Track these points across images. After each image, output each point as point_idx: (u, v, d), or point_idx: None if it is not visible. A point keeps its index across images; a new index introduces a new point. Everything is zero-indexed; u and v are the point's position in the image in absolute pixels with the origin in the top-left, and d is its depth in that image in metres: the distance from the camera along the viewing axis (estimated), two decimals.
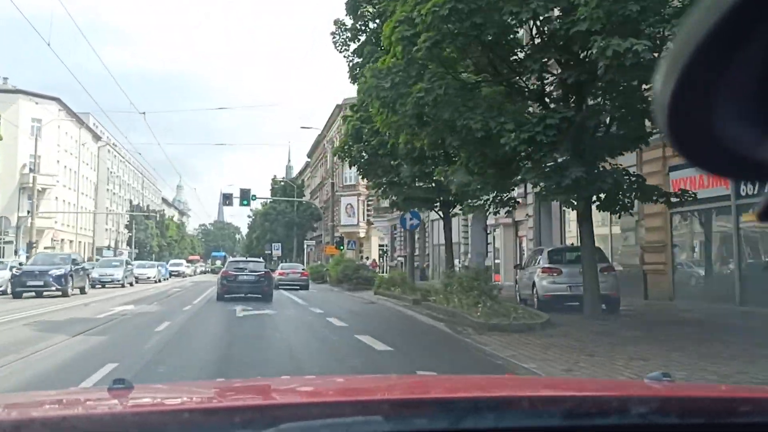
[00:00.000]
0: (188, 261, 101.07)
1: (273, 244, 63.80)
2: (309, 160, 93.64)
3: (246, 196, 43.79)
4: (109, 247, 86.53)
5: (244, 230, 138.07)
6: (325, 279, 40.08)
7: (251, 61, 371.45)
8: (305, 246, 61.53)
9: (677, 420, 1.19)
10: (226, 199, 43.80)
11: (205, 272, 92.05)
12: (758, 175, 0.66)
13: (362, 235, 62.93)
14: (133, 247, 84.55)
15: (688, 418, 1.19)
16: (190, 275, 60.87)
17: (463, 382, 2.19)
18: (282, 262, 59.47)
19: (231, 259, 31.58)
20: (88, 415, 1.34)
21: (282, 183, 66.95)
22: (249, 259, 29.03)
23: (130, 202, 69.00)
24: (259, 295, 20.79)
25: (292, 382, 2.50)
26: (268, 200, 63.48)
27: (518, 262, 17.27)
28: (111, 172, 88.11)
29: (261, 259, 28.14)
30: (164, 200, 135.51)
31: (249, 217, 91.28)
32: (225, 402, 1.58)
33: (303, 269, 35.25)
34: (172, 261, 62.03)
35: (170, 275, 49.18)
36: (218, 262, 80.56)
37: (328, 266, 37.07)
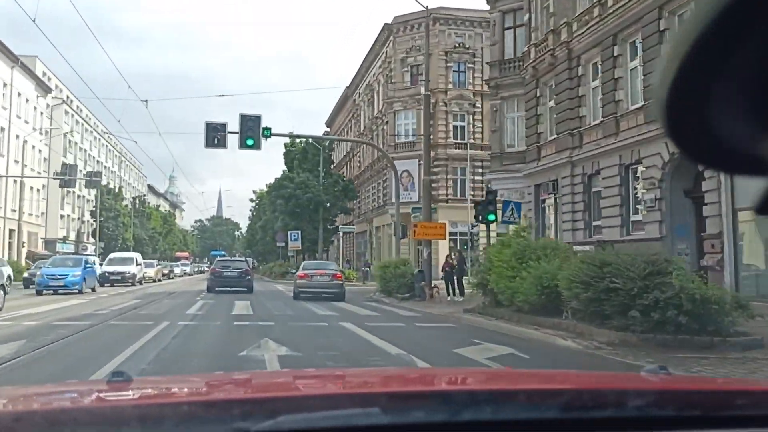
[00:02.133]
0: (175, 258, 79.44)
1: (290, 233, 41.97)
2: (328, 129, 72.17)
3: (251, 131, 22.10)
4: (65, 240, 64.65)
5: (245, 226, 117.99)
6: (417, 291, 18.50)
7: (253, 57, 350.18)
8: (340, 233, 39.66)
9: (674, 413, 1.17)
10: (215, 132, 21.97)
11: (199, 272, 71.22)
12: (755, 169, 0.65)
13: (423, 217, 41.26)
14: (97, 239, 62.57)
15: (684, 411, 1.17)
16: (157, 280, 37.36)
17: (462, 375, 2.17)
18: (305, 259, 38.27)
19: (218, 258, 33.65)
20: (88, 408, 1.31)
21: (302, 145, 45.22)
22: (233, 258, 36.95)
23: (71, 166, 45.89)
24: (244, 289, 23.75)
25: (291, 374, 2.38)
26: (291, 137, 40.18)
27: None
28: (71, 142, 66.13)
29: (243, 258, 36.16)
30: (151, 188, 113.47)
31: (252, 201, 68.99)
32: (224, 394, 1.54)
33: (336, 270, 22.67)
34: (113, 255, 33.79)
35: (109, 281, 27.21)
36: None
37: (488, 264, 13.59)
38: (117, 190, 68.81)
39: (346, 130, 60.61)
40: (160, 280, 38.20)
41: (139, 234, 77.67)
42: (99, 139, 78.40)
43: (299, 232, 42.11)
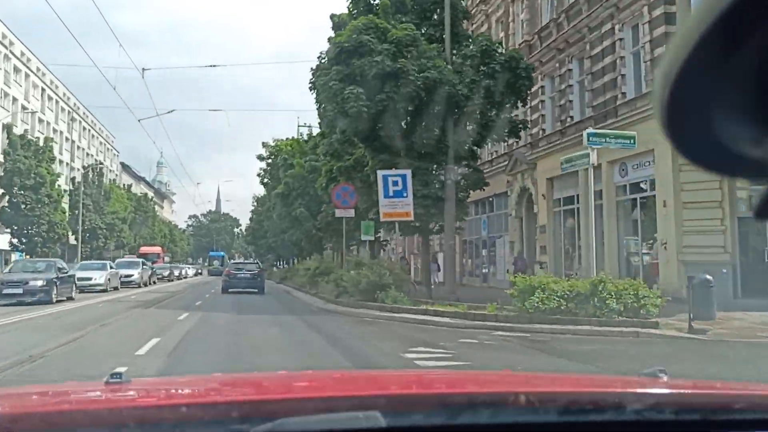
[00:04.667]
0: (139, 254, 52.86)
1: (383, 175, 15.23)
2: None
3: None
4: None
5: (244, 221, 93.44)
6: None
7: (250, 57, 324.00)
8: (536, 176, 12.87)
9: (672, 416, 1.16)
10: None
11: (172, 278, 45.56)
12: (755, 173, 0.64)
13: None
14: None
15: (683, 414, 1.17)
16: None
17: (460, 378, 2.16)
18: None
19: (232, 261, 37.96)
20: (85, 409, 1.29)
21: None
22: (246, 261, 35.96)
23: None
24: (256, 289, 25.13)
25: (289, 377, 2.24)
26: None
27: None
28: None
29: (255, 261, 34.31)
30: (126, 168, 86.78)
31: (262, 159, 41.69)
32: (222, 396, 1.50)
33: None
34: None
35: None
36: (216, 263, 71.26)
37: None
38: (42, 143, 41.67)
39: None
40: None
41: (93, 220, 50.83)
42: (30, 78, 51.63)
43: (406, 175, 15.34)
